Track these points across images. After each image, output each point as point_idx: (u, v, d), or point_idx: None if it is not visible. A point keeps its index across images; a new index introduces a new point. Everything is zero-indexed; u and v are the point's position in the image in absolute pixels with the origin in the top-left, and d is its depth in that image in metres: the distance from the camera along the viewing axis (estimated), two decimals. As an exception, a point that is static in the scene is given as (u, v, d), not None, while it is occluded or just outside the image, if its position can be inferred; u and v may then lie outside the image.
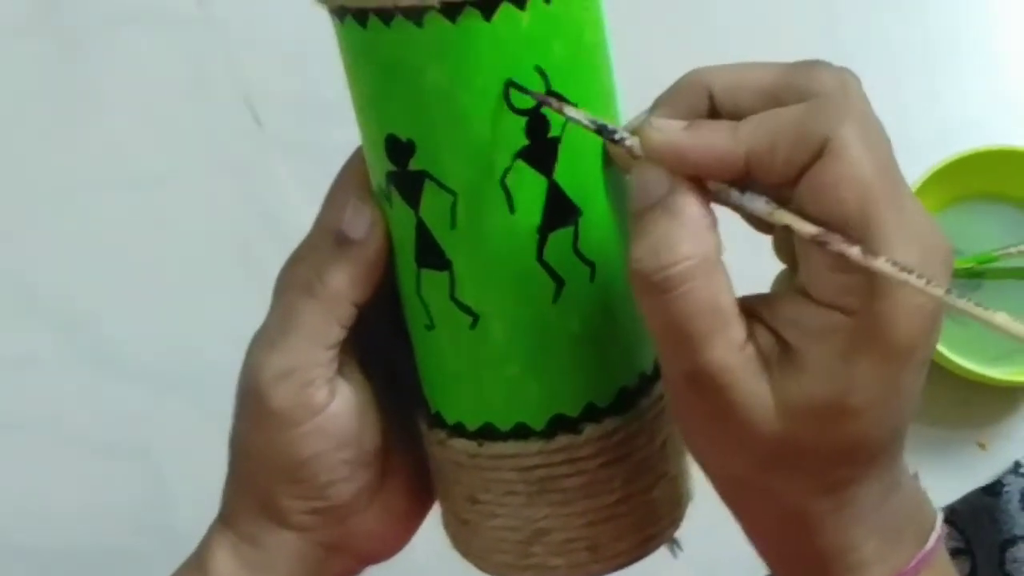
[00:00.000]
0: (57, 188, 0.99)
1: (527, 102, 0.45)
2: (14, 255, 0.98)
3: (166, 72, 1.03)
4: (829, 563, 0.46)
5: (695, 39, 1.00)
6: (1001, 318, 0.39)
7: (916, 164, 0.88)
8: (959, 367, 0.85)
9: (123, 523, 0.91)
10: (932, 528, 0.48)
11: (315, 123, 0.95)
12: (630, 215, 0.44)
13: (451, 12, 0.43)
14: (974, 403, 0.90)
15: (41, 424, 0.93)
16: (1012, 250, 0.90)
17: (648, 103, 0.48)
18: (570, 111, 0.45)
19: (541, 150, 0.46)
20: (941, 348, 0.85)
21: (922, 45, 1.01)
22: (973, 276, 0.91)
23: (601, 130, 0.45)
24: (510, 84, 0.45)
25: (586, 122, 0.45)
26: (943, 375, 0.87)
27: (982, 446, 0.91)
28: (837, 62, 0.45)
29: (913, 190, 0.85)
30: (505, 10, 0.44)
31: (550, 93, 0.45)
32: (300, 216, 0.52)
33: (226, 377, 0.53)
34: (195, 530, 0.56)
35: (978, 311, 0.40)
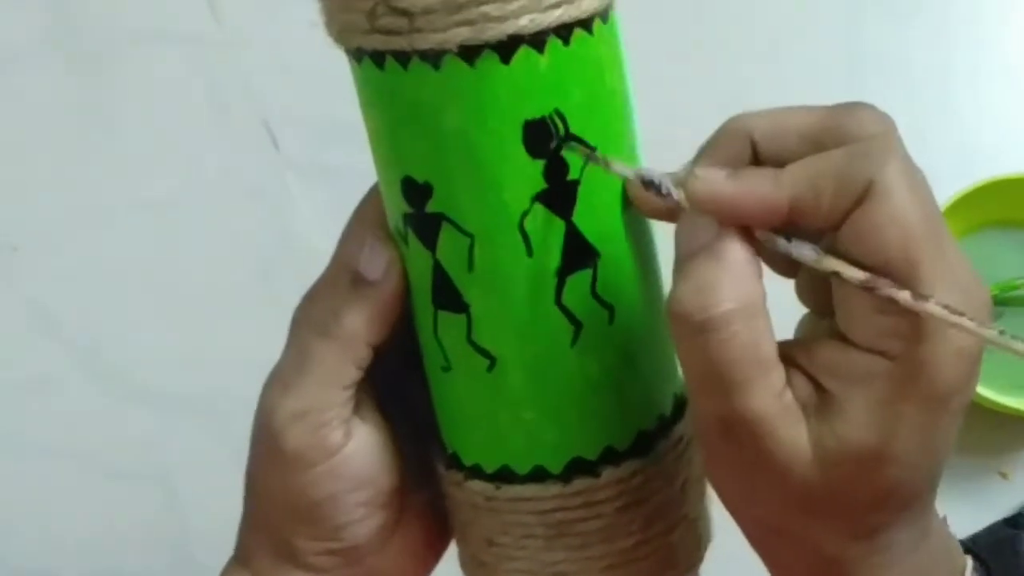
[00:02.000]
0: (74, 210, 0.99)
1: (546, 146, 0.44)
2: (30, 277, 0.98)
3: (184, 94, 1.03)
4: None
5: (715, 70, 0.99)
6: None
7: (937, 192, 0.87)
8: (979, 396, 0.85)
9: (138, 546, 0.91)
10: (962, 573, 0.47)
11: (333, 146, 0.95)
12: (675, 260, 0.43)
13: (469, 55, 0.43)
14: (996, 432, 0.90)
15: (56, 447, 0.93)
16: (1034, 278, 0.90)
17: (669, 142, 0.47)
18: (616, 166, 0.45)
19: (560, 193, 0.45)
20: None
21: (942, 72, 1.00)
22: (996, 304, 0.90)
23: (648, 184, 0.44)
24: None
25: (632, 176, 0.45)
26: (964, 404, 0.87)
27: (1004, 475, 0.90)
28: (857, 89, 0.45)
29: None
30: (524, 53, 0.43)
31: (569, 136, 0.45)
32: (318, 239, 0.52)
33: (242, 400, 0.53)
34: (210, 553, 0.55)
35: None
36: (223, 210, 0.99)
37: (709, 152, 0.45)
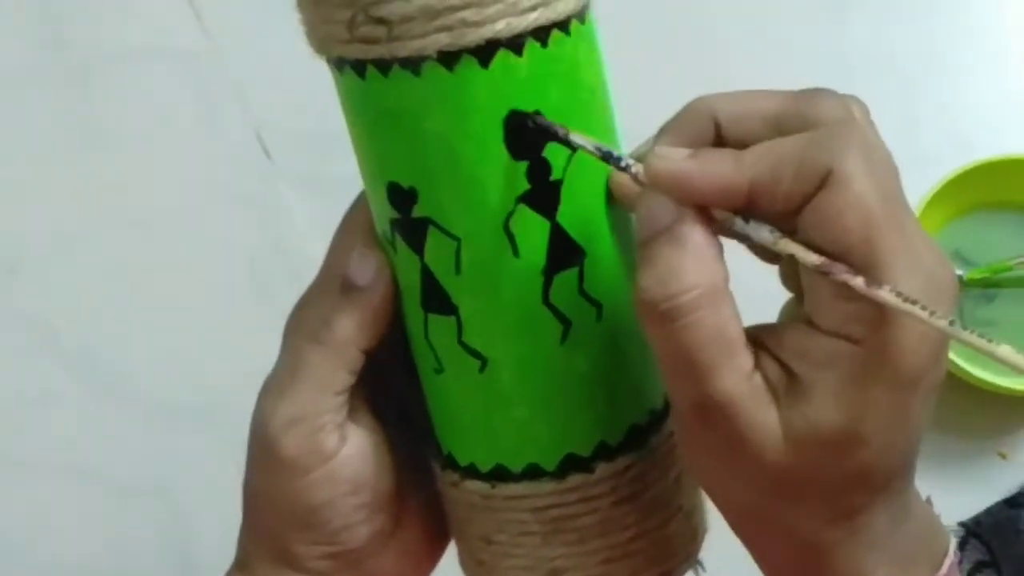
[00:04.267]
0: (68, 226, 1.00)
1: (528, 147, 0.45)
2: (29, 293, 0.99)
3: (175, 107, 1.03)
4: None
5: (700, 51, 0.99)
6: (1005, 350, 0.39)
7: (929, 174, 0.88)
8: (975, 377, 0.85)
9: (143, 559, 0.91)
10: (945, 554, 0.47)
11: (325, 155, 0.95)
12: (636, 244, 0.44)
13: (448, 61, 0.43)
14: (994, 413, 0.90)
15: (57, 463, 0.94)
16: (1026, 259, 0.90)
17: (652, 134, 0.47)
18: (576, 138, 0.45)
19: (543, 194, 0.46)
20: (957, 359, 0.85)
21: (932, 55, 1.00)
22: (988, 286, 0.90)
23: (606, 157, 0.45)
24: (512, 115, 0.44)
25: (591, 148, 0.45)
26: (961, 385, 0.87)
27: (1003, 456, 0.90)
28: (846, 74, 0.45)
29: (926, 200, 0.86)
30: (502, 56, 0.44)
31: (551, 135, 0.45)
32: (311, 248, 0.52)
33: (240, 409, 0.53)
34: (214, 565, 0.56)
35: (982, 343, 0.39)
36: (217, 221, 0.99)
37: (671, 130, 0.46)
